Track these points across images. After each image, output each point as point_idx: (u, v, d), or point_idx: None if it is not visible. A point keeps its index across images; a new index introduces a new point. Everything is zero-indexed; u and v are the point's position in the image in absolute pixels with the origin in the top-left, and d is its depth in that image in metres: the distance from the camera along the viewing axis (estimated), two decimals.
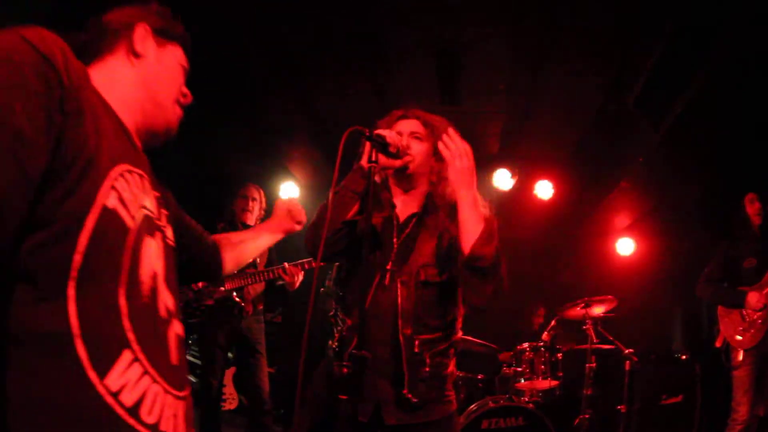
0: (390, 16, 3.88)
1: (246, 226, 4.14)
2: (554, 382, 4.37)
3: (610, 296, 4.47)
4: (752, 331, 3.70)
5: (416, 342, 1.89)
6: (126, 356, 0.91)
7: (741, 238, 4.02)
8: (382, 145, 1.87)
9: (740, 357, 3.73)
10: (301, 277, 3.92)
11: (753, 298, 3.73)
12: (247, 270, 3.96)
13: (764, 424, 3.75)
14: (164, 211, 1.20)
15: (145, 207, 1.05)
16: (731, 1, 3.35)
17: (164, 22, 1.25)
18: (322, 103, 5.18)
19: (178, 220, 1.40)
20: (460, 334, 2.07)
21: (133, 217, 0.99)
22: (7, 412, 0.79)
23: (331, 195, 1.86)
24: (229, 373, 5.83)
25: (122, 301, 0.93)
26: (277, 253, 4.33)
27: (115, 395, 0.88)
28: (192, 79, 1.32)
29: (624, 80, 4.32)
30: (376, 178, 2.06)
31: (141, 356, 0.94)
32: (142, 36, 1.19)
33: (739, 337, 3.77)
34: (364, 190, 1.89)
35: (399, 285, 1.93)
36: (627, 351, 4.49)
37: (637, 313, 5.82)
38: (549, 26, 3.86)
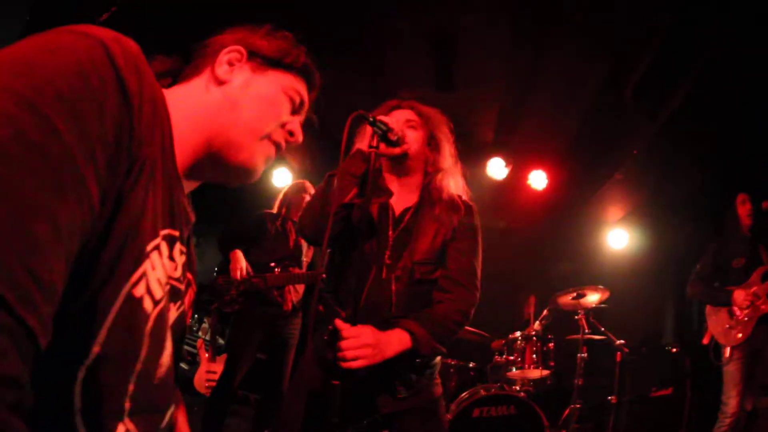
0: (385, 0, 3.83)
1: (294, 223, 4.01)
2: (546, 372, 4.37)
3: (602, 286, 4.48)
4: (739, 328, 3.75)
5: None
6: (120, 429, 0.82)
7: (731, 238, 4.08)
8: (383, 132, 1.85)
9: (727, 354, 3.79)
10: None
11: (739, 296, 3.79)
12: (291, 268, 3.89)
13: (752, 417, 3.79)
14: (189, 272, 1.00)
15: (171, 278, 0.87)
16: None
17: (272, 46, 1.05)
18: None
19: None
20: None
21: (155, 301, 0.83)
22: None
23: (336, 179, 1.86)
24: None
25: (131, 387, 0.81)
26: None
27: None
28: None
29: (621, 72, 4.29)
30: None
31: (131, 426, 0.84)
32: (233, 58, 0.99)
33: (725, 335, 3.83)
34: (362, 174, 1.87)
35: (393, 280, 1.92)
36: (618, 342, 4.51)
37: (628, 305, 5.83)
38: (547, 16, 3.83)
